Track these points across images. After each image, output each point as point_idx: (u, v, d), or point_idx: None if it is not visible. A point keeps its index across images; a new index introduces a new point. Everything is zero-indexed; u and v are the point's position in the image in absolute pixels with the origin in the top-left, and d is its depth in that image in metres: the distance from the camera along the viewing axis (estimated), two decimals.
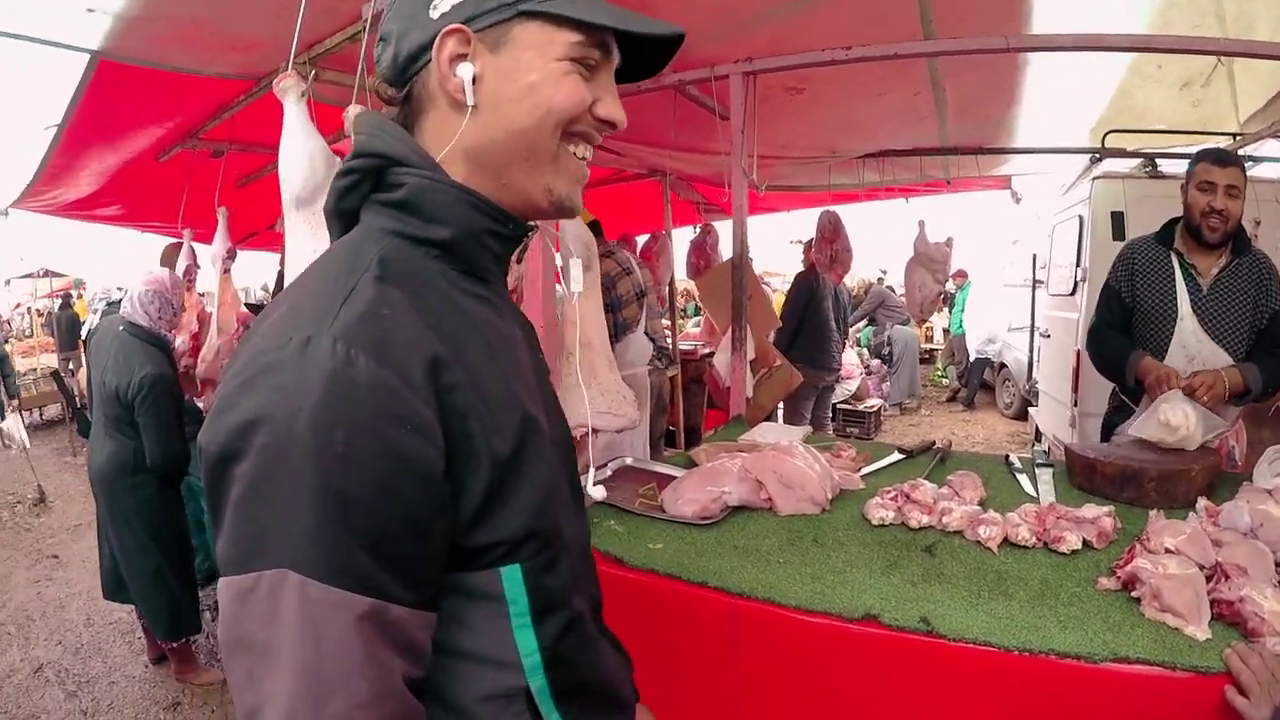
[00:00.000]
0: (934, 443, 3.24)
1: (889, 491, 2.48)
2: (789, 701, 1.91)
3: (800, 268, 7.56)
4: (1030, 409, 9.28)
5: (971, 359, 12.72)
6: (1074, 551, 2.11)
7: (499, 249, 1.06)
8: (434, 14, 0.99)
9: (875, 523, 2.36)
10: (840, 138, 5.84)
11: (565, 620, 0.99)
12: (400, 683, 0.80)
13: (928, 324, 15.99)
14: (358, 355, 0.78)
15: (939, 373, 14.84)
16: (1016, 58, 4.07)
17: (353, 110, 2.62)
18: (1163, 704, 1.59)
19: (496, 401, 0.92)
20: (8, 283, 20.07)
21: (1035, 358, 9.03)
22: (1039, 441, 8.29)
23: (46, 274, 17.76)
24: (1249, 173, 5.21)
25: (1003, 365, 11.80)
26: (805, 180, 7.25)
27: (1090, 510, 2.26)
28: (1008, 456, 3.06)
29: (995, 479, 2.80)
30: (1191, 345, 3.09)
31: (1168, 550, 1.96)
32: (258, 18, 3.20)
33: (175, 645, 4.21)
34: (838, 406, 10.50)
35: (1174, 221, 3.29)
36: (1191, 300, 3.11)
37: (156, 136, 4.70)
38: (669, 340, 7.40)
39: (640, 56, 1.09)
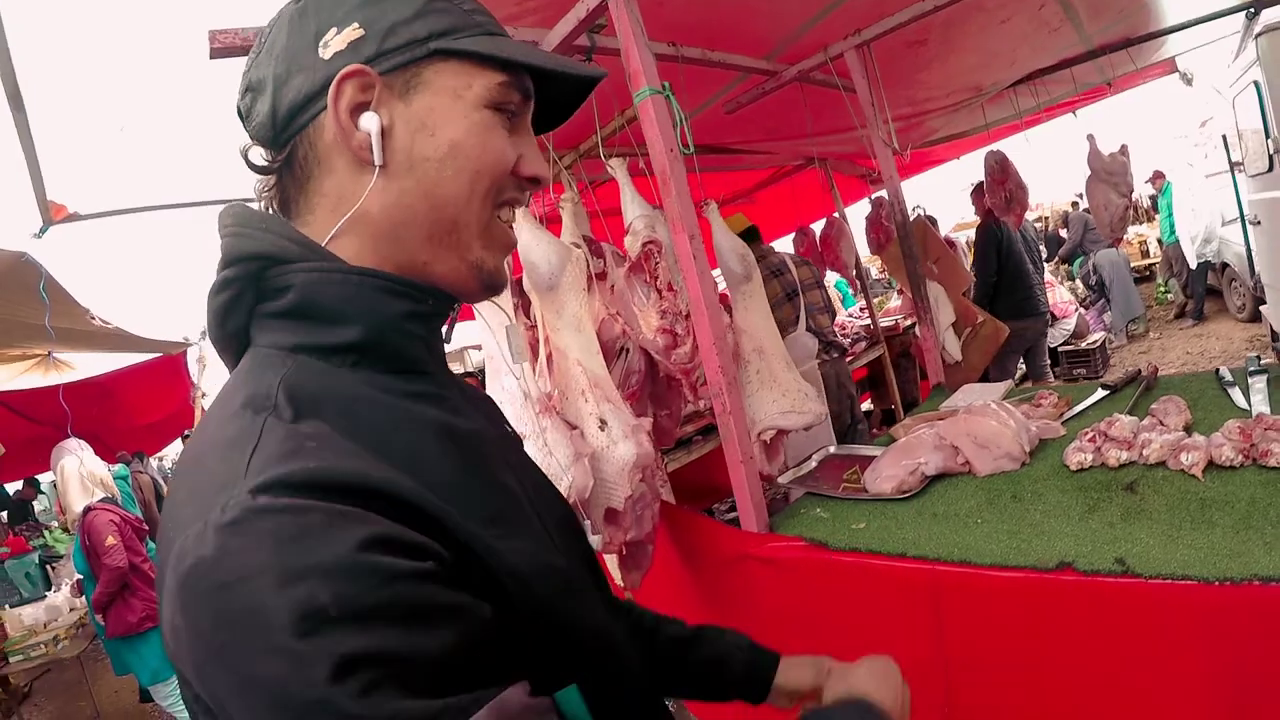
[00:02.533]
0: (1139, 372, 3.12)
1: (1087, 433, 2.42)
2: (996, 658, 1.93)
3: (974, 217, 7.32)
4: (1262, 308, 8.44)
5: (1192, 266, 11.63)
6: None
7: (424, 332, 0.90)
8: (324, 53, 0.85)
9: (1074, 468, 2.32)
10: (981, 75, 5.65)
11: None
12: None
13: (1142, 237, 15.02)
14: (301, 492, 0.65)
15: (1161, 289, 13.66)
16: None
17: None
18: None
19: (483, 523, 0.79)
20: None
21: (1253, 249, 8.23)
22: (1277, 342, 7.69)
23: None
24: None
25: (1225, 265, 10.69)
26: (962, 125, 7.05)
27: None
28: (1218, 370, 2.91)
29: (1205, 398, 2.69)
30: None
31: None
32: None
33: None
34: (1058, 350, 9.99)
35: None
36: None
37: None
38: (858, 326, 7.34)
39: (551, 106, 1.01)
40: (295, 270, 0.81)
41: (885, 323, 7.65)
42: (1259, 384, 2.67)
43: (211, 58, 2.16)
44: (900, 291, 7.99)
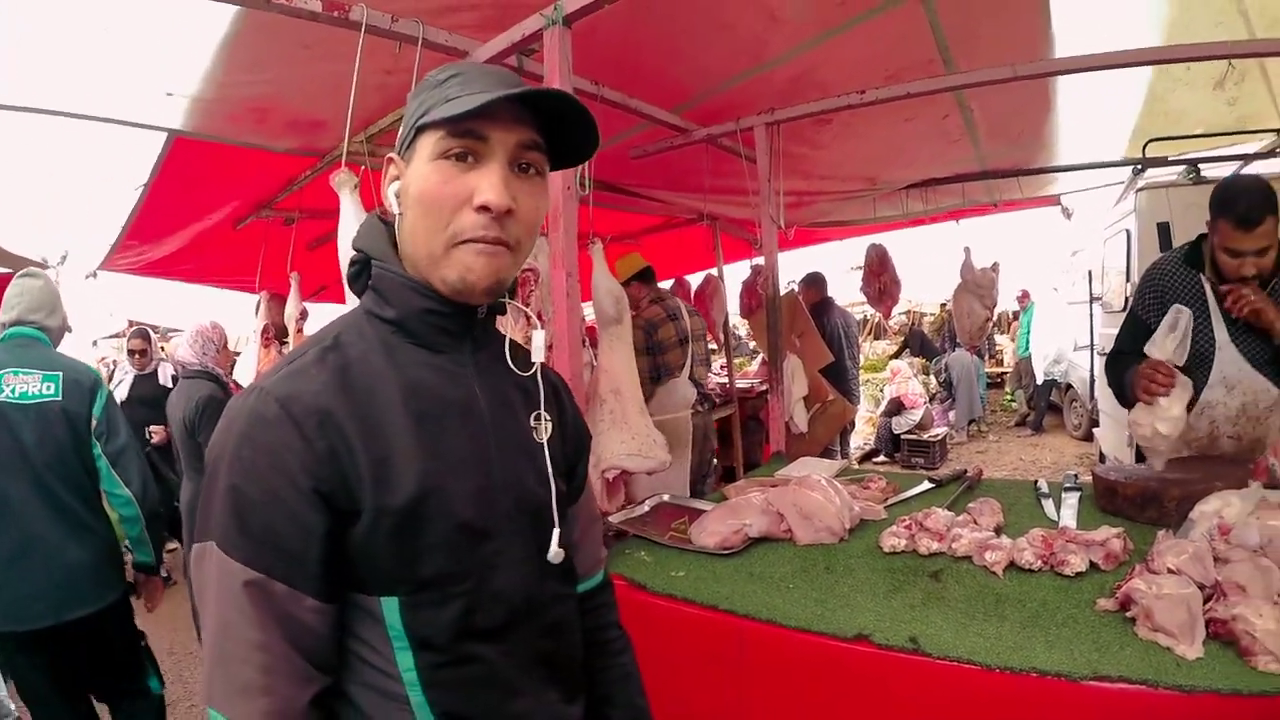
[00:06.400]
0: (964, 471, 3.29)
1: (904, 520, 2.56)
2: (792, 713, 2.02)
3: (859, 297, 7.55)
4: (1095, 430, 9.08)
5: (1039, 381, 12.48)
6: (1079, 574, 2.14)
7: (449, 325, 1.20)
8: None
9: (887, 550, 2.45)
10: (878, 169, 5.91)
11: (455, 657, 1.12)
12: (284, 645, 1.00)
13: (999, 347, 15.84)
14: (271, 400, 1.05)
15: (1008, 397, 14.62)
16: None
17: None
18: None
19: (394, 465, 1.08)
20: (95, 343, 20.29)
21: (1096, 376, 8.82)
22: (1103, 464, 8.14)
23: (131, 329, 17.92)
24: None
25: (1069, 386, 11.53)
26: (852, 214, 7.30)
27: (1101, 533, 2.28)
28: (1036, 482, 3.10)
29: (1020, 505, 2.86)
30: (1231, 374, 2.83)
31: (1170, 570, 1.97)
32: (317, 100, 3.54)
33: None
34: (902, 438, 10.52)
35: (1202, 238, 2.95)
36: (1228, 328, 2.82)
37: (233, 207, 5.22)
38: (716, 383, 7.45)
39: (570, 136, 1.20)
40: (376, 264, 1.20)
41: (742, 384, 7.81)
42: (1071, 500, 2.85)
43: None
44: (761, 357, 8.15)
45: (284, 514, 1.01)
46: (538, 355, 1.32)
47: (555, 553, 1.23)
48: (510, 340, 1.34)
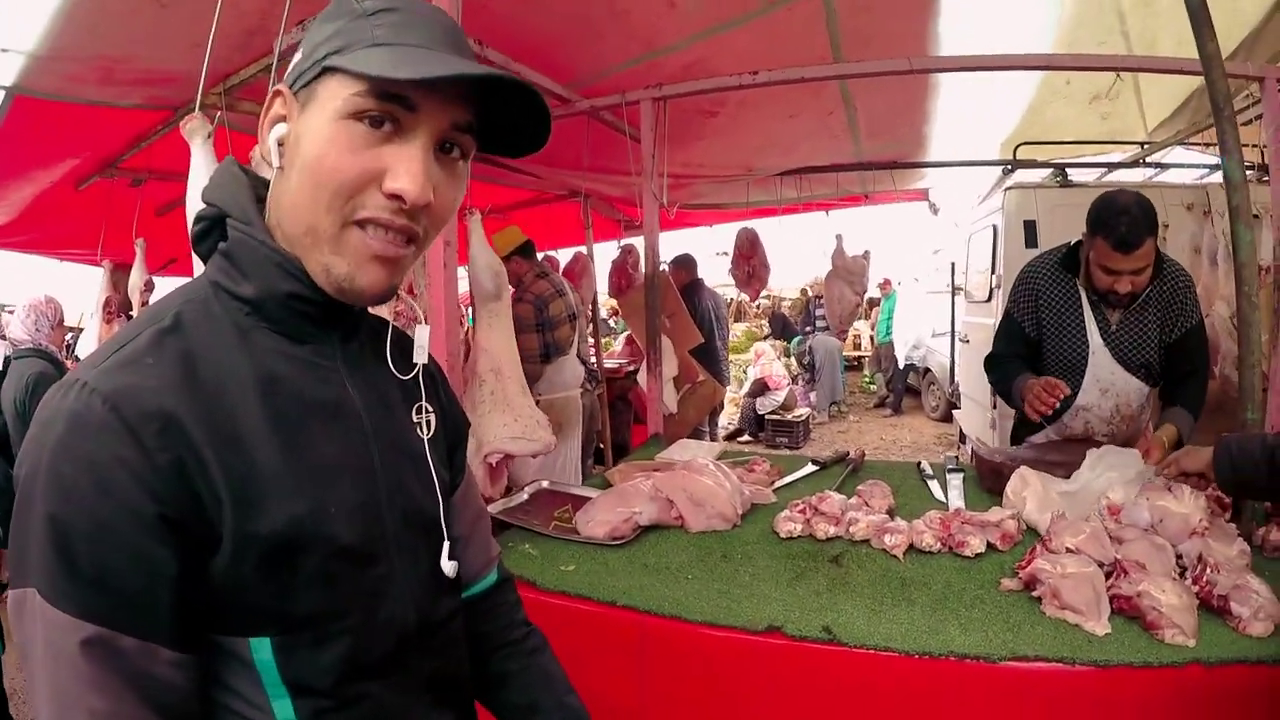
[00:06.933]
0: (847, 453, 3.27)
1: (798, 505, 2.51)
2: (696, 714, 1.94)
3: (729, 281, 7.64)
4: (955, 412, 9.49)
5: (900, 365, 13.02)
6: (978, 555, 2.16)
7: (315, 313, 0.99)
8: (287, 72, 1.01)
9: (784, 536, 2.39)
10: (756, 157, 5.97)
11: (341, 700, 0.95)
12: (140, 711, 0.79)
13: (857, 331, 16.34)
14: (97, 400, 0.80)
15: (867, 379, 15.24)
16: (926, 78, 4.23)
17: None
18: (1062, 699, 1.65)
19: (258, 482, 0.88)
20: None
21: (957, 362, 9.33)
22: (964, 443, 8.51)
23: None
24: (1158, 179, 5.29)
25: (927, 370, 12.13)
26: (725, 198, 7.36)
27: (995, 514, 2.31)
28: (919, 464, 3.12)
29: (906, 487, 2.86)
30: (1105, 378, 2.94)
31: (1068, 550, 2.01)
32: (170, 53, 3.27)
33: None
34: (766, 418, 10.77)
35: (1079, 246, 3.00)
36: (1102, 334, 2.93)
37: (73, 165, 4.75)
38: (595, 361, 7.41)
39: (512, 121, 1.01)
40: (234, 225, 0.97)
41: (609, 364, 7.82)
42: (956, 481, 2.87)
43: None
44: (625, 336, 8.12)
45: (123, 549, 0.78)
46: (420, 355, 1.15)
47: (449, 565, 1.10)
48: (381, 323, 1.17)
